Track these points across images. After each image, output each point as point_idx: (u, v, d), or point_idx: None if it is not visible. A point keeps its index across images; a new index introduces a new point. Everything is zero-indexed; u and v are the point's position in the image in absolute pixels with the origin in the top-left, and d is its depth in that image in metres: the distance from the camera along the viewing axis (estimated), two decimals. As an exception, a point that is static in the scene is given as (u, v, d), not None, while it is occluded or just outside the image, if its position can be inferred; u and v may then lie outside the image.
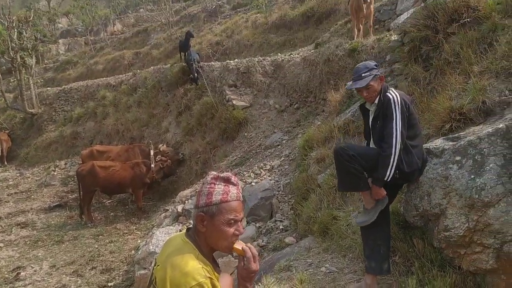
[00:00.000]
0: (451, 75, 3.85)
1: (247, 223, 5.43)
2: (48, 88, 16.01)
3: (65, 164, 11.99)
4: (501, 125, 2.63)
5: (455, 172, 2.71)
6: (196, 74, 9.86)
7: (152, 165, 8.37)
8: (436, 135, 3.66)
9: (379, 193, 2.81)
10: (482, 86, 3.25)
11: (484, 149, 2.62)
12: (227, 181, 1.65)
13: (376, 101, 2.86)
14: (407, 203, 3.18)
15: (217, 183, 1.64)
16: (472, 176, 2.61)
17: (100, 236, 7.52)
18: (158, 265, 1.60)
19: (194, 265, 1.53)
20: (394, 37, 5.34)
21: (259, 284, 3.52)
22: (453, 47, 4.00)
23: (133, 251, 6.67)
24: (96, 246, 7.07)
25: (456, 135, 3.01)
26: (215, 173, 1.72)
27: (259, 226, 5.32)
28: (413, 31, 4.45)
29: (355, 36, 7.35)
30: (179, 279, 1.49)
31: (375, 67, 2.86)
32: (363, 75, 2.80)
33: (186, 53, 10.69)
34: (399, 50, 4.87)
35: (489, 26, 3.69)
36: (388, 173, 2.71)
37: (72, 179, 10.97)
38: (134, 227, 7.86)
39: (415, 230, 3.14)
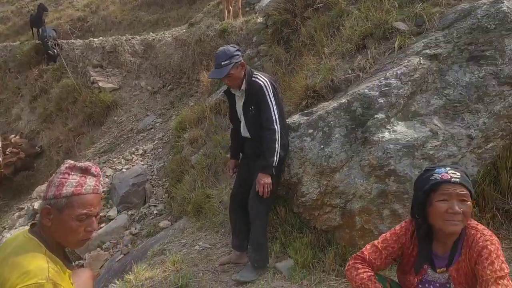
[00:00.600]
0: (307, 56, 4.17)
1: (118, 212, 5.11)
2: None
3: None
4: (343, 100, 2.96)
5: (309, 144, 2.97)
6: (55, 51, 8.71)
7: (0, 159, 7.17)
8: (295, 111, 3.95)
9: (267, 182, 2.76)
10: (331, 66, 3.60)
11: (331, 122, 2.93)
12: (85, 171, 1.46)
13: (243, 87, 2.86)
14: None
15: (72, 173, 1.44)
16: (322, 146, 2.90)
17: None
18: None
19: (39, 264, 1.32)
20: (260, 19, 5.56)
21: (129, 273, 3.36)
22: (309, 30, 4.35)
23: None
24: None
25: (310, 110, 3.30)
26: (72, 162, 1.50)
27: (132, 214, 5.06)
28: (275, 14, 4.69)
29: (226, 17, 7.44)
30: (15, 280, 1.26)
31: (236, 53, 2.78)
32: (222, 63, 2.72)
33: (40, 30, 9.35)
34: (264, 32, 5.09)
35: (337, 11, 4.10)
36: (275, 158, 2.74)
37: None
38: (-19, 232, 6.67)
39: (278, 199, 3.37)
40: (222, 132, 5.00)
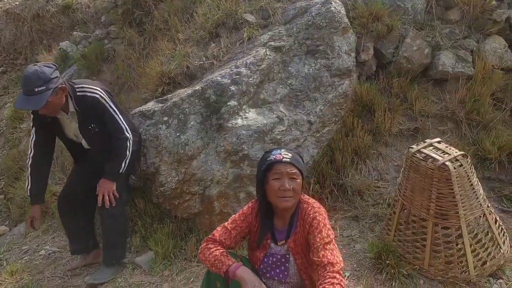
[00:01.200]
0: (162, 41, 4.04)
1: None
2: None
3: None
4: (197, 87, 2.99)
5: (164, 132, 2.92)
6: None
7: None
8: (151, 98, 3.81)
9: (110, 188, 2.56)
10: (186, 52, 3.57)
11: (186, 109, 2.92)
12: None
13: (72, 109, 2.51)
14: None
15: None
16: (178, 134, 2.88)
17: None
18: None
19: None
20: (108, -4, 5.10)
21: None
22: (162, 14, 4.20)
23: None
24: None
25: (165, 97, 3.22)
26: None
27: (-47, 223, 4.16)
28: (124, -8, 4.38)
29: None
30: None
31: (54, 75, 2.35)
32: (36, 90, 2.24)
33: None
34: (114, 12, 4.71)
35: (189, -3, 4.06)
36: (123, 166, 2.56)
37: None
38: None
39: (136, 191, 3.23)
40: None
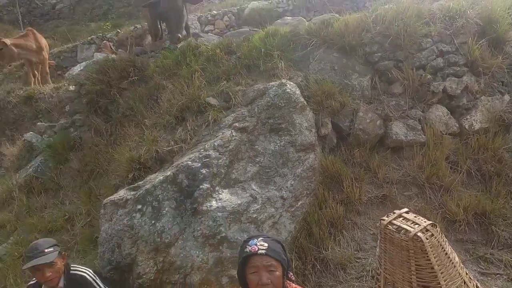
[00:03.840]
0: (129, 127, 4.16)
1: None
2: None
3: None
4: (169, 173, 3.07)
5: (139, 220, 2.92)
6: None
7: None
8: (122, 184, 3.83)
9: None
10: (154, 137, 3.69)
11: (159, 195, 2.97)
12: None
13: (61, 284, 2.59)
14: (100, 257, 3.13)
15: None
16: (153, 221, 2.90)
17: None
18: None
19: None
20: (72, 87, 5.26)
21: None
22: (127, 101, 4.37)
23: None
24: None
25: (136, 184, 3.26)
26: None
27: None
28: (88, 83, 4.54)
29: (31, 83, 6.70)
30: None
31: (57, 244, 2.65)
32: (46, 250, 2.47)
33: None
34: (78, 101, 4.83)
35: (153, 85, 4.28)
36: None
37: None
38: None
39: (112, 285, 3.12)
40: (38, 213, 4.38)
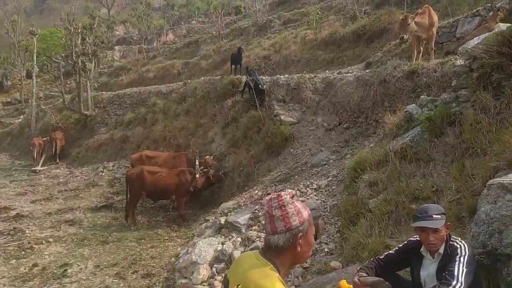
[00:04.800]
0: (526, 106, 3.59)
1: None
2: (102, 92, 16.87)
3: (113, 166, 12.48)
4: None
5: (536, 213, 2.49)
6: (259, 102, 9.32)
7: (197, 175, 8.48)
8: (506, 168, 3.42)
9: None
10: None
11: None
12: (293, 197, 1.73)
13: (441, 251, 2.65)
14: (473, 238, 2.96)
15: (294, 200, 1.70)
16: (557, 220, 2.38)
17: (142, 240, 7.67)
18: (239, 284, 1.62)
19: (279, 287, 1.57)
20: (460, 61, 5.10)
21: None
22: (530, 76, 3.74)
23: (173, 258, 6.73)
24: (138, 250, 7.21)
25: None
26: (286, 192, 1.74)
27: (304, 247, 5.18)
28: (484, 57, 4.21)
29: (414, 58, 7.12)
30: None
31: (445, 213, 2.72)
32: (434, 216, 2.60)
33: (249, 72, 10.04)
34: (466, 76, 4.62)
35: None
36: None
37: (119, 181, 11.38)
38: (175, 234, 7.96)
39: (482, 268, 2.90)
40: (407, 180, 4.69)
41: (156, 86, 15.71)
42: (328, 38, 14.65)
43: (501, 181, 2.88)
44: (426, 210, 2.67)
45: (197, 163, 8.77)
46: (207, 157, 9.09)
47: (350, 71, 10.43)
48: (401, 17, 6.77)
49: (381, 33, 12.84)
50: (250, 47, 18.02)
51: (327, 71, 11.78)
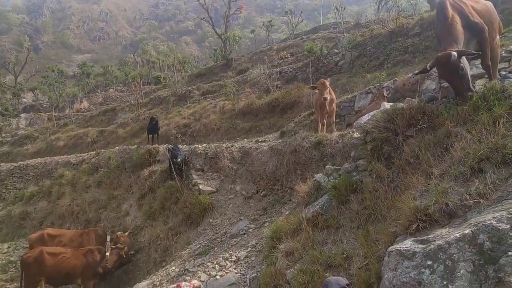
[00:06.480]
0: (412, 175, 4.06)
1: (210, 324, 4.99)
2: (1, 164, 15.19)
3: (8, 247, 10.89)
4: (467, 231, 2.73)
5: (428, 277, 2.71)
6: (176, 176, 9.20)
7: (107, 253, 7.77)
8: (403, 233, 3.71)
9: None
10: (443, 188, 3.43)
11: (454, 255, 2.67)
12: None
13: None
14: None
15: None
16: (445, 282, 2.62)
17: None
18: None
19: None
20: (357, 134, 5.70)
21: None
22: (413, 149, 4.29)
23: None
24: None
25: (425, 237, 3.07)
26: (188, 284, 1.67)
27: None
28: (374, 131, 4.78)
29: (319, 130, 7.78)
30: None
31: (348, 284, 2.89)
32: None
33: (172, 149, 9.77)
34: (362, 147, 5.15)
35: (443, 132, 4.04)
36: None
37: (14, 265, 9.90)
38: (80, 326, 6.98)
39: None
40: (320, 247, 4.84)
41: (65, 156, 14.70)
42: (245, 108, 15.46)
43: (399, 248, 3.12)
44: (327, 284, 2.76)
45: (108, 239, 8.07)
46: (119, 233, 8.44)
47: (266, 139, 10.97)
48: (320, 82, 7.39)
49: (293, 105, 13.97)
50: (170, 116, 18.13)
51: (245, 139, 12.24)
